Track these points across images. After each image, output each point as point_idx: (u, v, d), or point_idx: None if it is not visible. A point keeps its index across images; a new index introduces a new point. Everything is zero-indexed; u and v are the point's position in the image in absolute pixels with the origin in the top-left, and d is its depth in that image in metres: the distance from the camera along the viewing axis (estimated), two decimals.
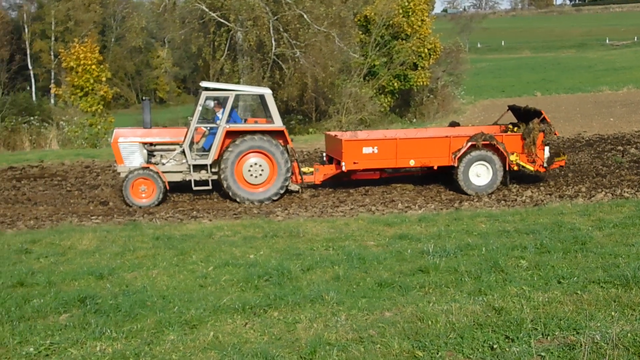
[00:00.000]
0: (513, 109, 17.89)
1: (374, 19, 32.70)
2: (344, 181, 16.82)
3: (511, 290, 7.41)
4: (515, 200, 14.67)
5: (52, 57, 50.74)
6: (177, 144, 15.69)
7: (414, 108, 35.46)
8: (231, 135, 15.25)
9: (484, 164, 15.67)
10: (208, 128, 15.68)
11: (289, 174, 15.41)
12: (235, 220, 12.95)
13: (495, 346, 5.89)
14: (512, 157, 15.70)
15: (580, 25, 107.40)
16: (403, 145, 15.69)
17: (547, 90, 42.90)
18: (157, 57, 38.50)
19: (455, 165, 15.61)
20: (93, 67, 28.16)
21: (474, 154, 15.62)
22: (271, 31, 27.94)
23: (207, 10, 28.55)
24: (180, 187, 16.15)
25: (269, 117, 15.63)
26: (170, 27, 31.07)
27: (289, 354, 5.94)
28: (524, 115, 16.95)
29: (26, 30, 52.07)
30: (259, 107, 15.70)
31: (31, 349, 6.23)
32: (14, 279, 8.53)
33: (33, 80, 51.94)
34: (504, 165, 15.69)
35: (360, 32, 32.75)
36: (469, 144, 15.58)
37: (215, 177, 15.43)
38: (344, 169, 15.67)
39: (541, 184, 16.27)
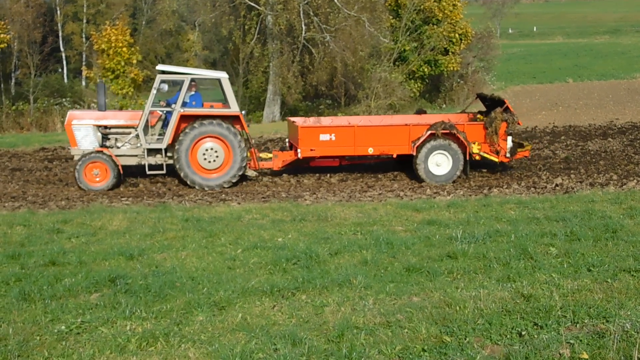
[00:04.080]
0: (481, 97, 17.61)
1: (404, 3, 32.48)
2: (371, 166, 16.77)
3: (540, 278, 7.38)
4: (545, 187, 14.53)
5: (84, 39, 50.92)
6: (132, 127, 15.55)
7: (443, 93, 35.21)
8: (186, 119, 15.16)
9: (443, 153, 15.39)
10: (164, 112, 15.44)
11: (245, 160, 15.26)
12: (263, 204, 13.00)
13: (523, 333, 5.87)
14: (474, 147, 15.42)
15: (615, 11, 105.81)
16: (361, 133, 15.42)
17: (580, 76, 42.35)
18: (188, 40, 38.48)
19: (414, 154, 15.39)
20: (124, 49, 28.25)
21: (434, 142, 15.33)
22: (301, 15, 27.88)
23: None
24: None
25: (225, 102, 15.47)
26: (201, 10, 31.13)
27: (316, 337, 5.97)
28: (491, 104, 16.58)
29: (58, 12, 52.31)
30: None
31: (63, 327, 6.33)
32: (46, 258, 8.67)
33: (65, 63, 52.19)
34: (464, 155, 15.45)
35: (391, 17, 32.55)
36: (429, 132, 15.29)
37: (170, 161, 15.30)
38: (299, 155, 15.44)
39: (572, 171, 16.10)
